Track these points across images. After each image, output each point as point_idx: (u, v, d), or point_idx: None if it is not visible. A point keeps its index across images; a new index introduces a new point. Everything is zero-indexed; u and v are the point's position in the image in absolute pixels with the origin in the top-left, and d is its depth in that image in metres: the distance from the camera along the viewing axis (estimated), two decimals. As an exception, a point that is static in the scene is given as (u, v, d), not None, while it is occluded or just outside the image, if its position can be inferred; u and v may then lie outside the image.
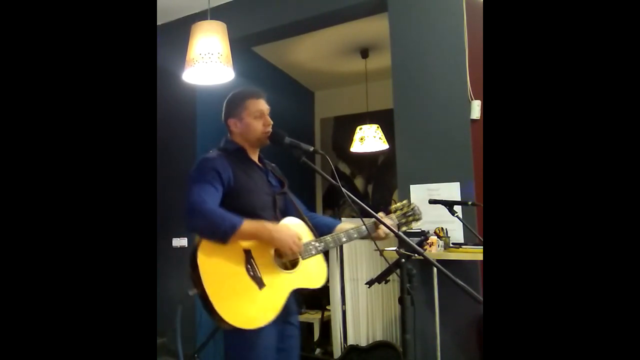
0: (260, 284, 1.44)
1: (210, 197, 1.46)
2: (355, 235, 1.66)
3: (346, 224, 1.73)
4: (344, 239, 1.64)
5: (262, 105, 1.67)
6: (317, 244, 1.59)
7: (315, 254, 1.59)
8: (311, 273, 1.58)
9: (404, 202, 1.82)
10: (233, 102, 1.69)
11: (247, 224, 1.43)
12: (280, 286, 1.49)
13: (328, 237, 1.62)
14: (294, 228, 1.57)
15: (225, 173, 1.54)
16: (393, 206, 1.79)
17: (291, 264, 1.55)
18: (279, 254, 1.52)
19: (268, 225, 1.47)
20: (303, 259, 1.53)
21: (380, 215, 1.66)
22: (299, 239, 1.49)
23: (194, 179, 1.51)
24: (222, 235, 1.40)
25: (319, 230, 1.68)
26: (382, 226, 1.62)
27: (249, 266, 1.45)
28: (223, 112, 1.72)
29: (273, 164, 1.79)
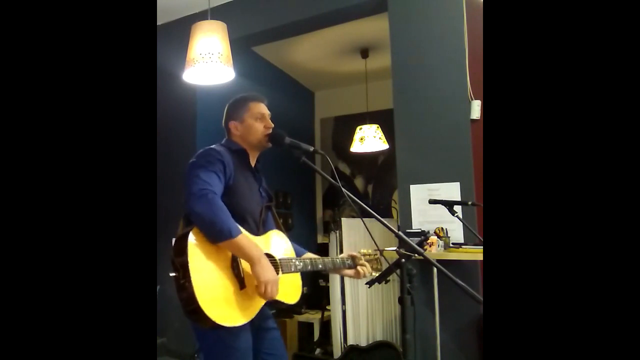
0: (242, 284, 1.43)
1: (217, 188, 1.44)
2: (330, 266, 1.72)
3: (310, 254, 1.79)
4: (320, 266, 1.68)
5: (264, 109, 1.67)
6: (298, 263, 1.61)
7: (294, 272, 1.60)
8: (287, 288, 1.58)
9: (366, 251, 1.86)
10: (234, 105, 1.69)
11: (242, 240, 1.40)
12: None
13: (307, 260, 1.64)
14: (280, 246, 1.63)
15: (229, 168, 1.52)
16: (362, 251, 1.85)
17: None
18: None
19: (260, 256, 1.42)
20: (283, 272, 1.53)
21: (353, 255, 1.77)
22: (277, 288, 1.44)
23: (200, 165, 1.46)
24: (216, 233, 1.37)
25: None
26: (363, 268, 1.74)
27: (234, 264, 1.44)
28: (224, 116, 1.70)
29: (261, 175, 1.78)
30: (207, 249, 1.39)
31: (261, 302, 1.47)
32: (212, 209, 1.37)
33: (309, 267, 1.64)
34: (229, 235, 1.37)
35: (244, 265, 1.45)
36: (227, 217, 1.39)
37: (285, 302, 1.56)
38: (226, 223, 1.38)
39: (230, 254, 1.44)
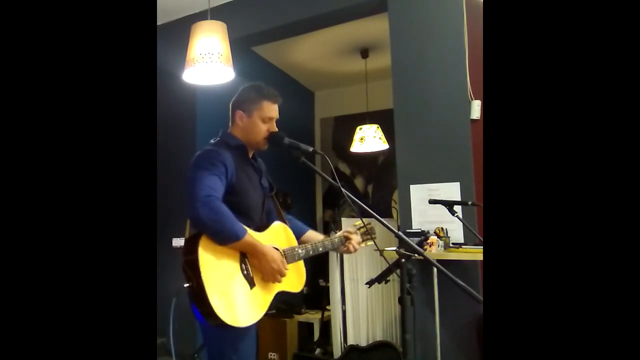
0: (251, 283, 1.46)
1: (220, 192, 1.45)
2: (330, 247, 1.77)
3: (313, 233, 1.85)
4: (321, 249, 1.72)
5: (274, 112, 1.66)
6: (300, 251, 1.64)
7: (297, 260, 1.63)
8: (293, 277, 1.62)
9: (360, 222, 1.87)
10: (249, 94, 1.67)
11: (247, 239, 1.44)
12: (268, 288, 1.52)
13: (309, 245, 1.68)
14: (283, 238, 1.64)
15: (230, 168, 1.52)
16: (356, 223, 1.89)
17: None
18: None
19: (264, 248, 1.47)
20: (288, 263, 1.56)
21: (347, 233, 1.84)
22: (286, 269, 1.51)
23: (202, 167, 1.47)
24: (223, 238, 1.41)
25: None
26: (352, 242, 1.80)
27: (243, 265, 1.47)
28: (234, 98, 1.69)
29: (261, 161, 1.79)
30: (217, 253, 1.41)
31: (269, 300, 1.51)
32: (218, 216, 1.39)
33: (311, 252, 1.67)
34: (236, 238, 1.41)
35: (252, 266, 1.48)
36: (233, 221, 1.42)
37: (292, 291, 1.60)
38: (232, 227, 1.41)
39: (238, 257, 1.47)
